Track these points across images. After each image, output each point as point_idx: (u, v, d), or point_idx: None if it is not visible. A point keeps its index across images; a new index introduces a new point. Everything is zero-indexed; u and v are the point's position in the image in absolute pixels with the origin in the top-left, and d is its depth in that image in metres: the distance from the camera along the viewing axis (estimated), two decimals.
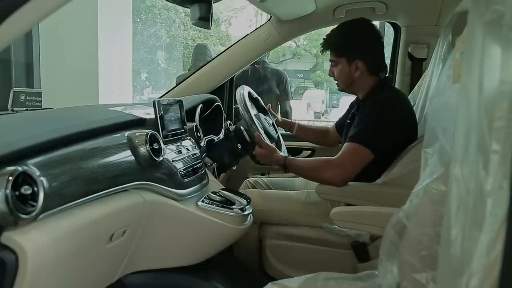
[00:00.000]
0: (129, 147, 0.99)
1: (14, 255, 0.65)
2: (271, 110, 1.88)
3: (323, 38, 1.55)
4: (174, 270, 1.16)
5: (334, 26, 1.56)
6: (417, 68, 1.98)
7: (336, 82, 1.58)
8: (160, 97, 1.91)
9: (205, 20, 0.99)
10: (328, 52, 1.56)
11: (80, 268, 0.83)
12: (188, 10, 1.02)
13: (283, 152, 1.64)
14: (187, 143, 1.30)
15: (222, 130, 1.71)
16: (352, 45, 1.49)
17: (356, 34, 1.50)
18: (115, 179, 0.89)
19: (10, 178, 0.64)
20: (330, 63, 1.58)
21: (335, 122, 1.91)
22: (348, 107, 1.77)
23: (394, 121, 1.40)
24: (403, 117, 1.44)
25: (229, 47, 2.01)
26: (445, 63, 1.40)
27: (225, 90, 2.08)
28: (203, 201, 1.19)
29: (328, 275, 0.97)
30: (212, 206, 1.19)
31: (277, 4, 1.70)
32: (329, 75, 1.60)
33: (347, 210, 1.33)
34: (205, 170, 1.36)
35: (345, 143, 1.41)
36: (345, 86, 1.56)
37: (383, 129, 1.38)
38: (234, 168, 1.74)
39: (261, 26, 1.96)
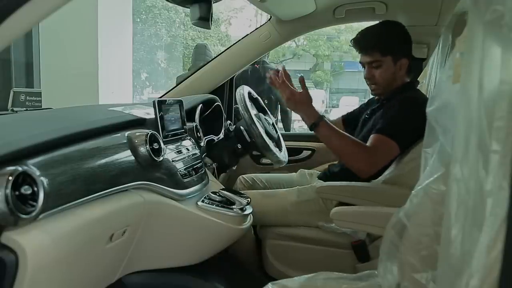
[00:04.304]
0: (129, 147, 0.99)
1: (14, 255, 0.65)
2: None
3: (357, 40, 1.48)
4: (174, 270, 1.16)
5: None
6: (417, 68, 1.98)
7: (373, 85, 1.50)
8: (160, 97, 1.91)
9: (205, 20, 0.99)
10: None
11: (80, 268, 0.83)
12: (188, 10, 1.02)
13: (283, 152, 1.63)
14: (187, 143, 1.30)
15: (222, 130, 1.71)
16: (398, 43, 1.48)
17: (399, 31, 1.49)
18: (115, 179, 0.89)
19: (10, 178, 0.64)
20: (363, 65, 1.50)
21: (342, 116, 1.84)
22: (362, 104, 1.75)
23: (418, 122, 1.38)
24: (423, 120, 1.42)
25: (229, 47, 2.01)
26: (445, 63, 1.41)
27: (225, 90, 2.08)
28: (203, 201, 1.19)
29: (328, 275, 0.97)
30: (212, 206, 1.19)
31: (277, 4, 1.69)
32: (367, 77, 1.50)
33: (347, 210, 1.33)
34: (205, 170, 1.35)
35: (373, 135, 1.37)
36: (387, 88, 1.49)
37: (410, 127, 1.33)
38: (234, 168, 1.74)
39: (261, 26, 1.96)
